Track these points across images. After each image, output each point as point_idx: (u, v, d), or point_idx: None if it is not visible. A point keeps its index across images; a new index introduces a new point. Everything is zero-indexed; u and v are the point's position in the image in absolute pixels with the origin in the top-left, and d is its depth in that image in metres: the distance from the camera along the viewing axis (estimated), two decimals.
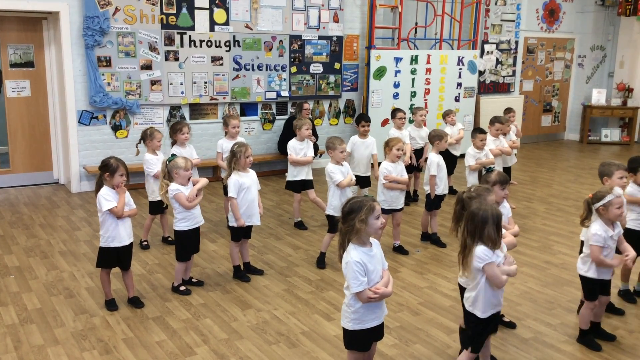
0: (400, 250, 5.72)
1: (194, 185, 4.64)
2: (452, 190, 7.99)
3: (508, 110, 7.89)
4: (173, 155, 4.65)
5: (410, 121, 8.19)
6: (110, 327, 4.15)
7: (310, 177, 6.39)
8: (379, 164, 5.63)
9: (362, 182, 6.61)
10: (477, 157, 6.30)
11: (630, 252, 3.87)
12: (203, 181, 4.74)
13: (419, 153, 7.43)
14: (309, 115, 8.57)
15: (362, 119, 6.90)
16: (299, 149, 6.29)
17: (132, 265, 4.53)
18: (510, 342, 4.02)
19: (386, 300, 4.51)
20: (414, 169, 7.37)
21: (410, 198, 7.57)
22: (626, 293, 4.75)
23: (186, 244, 4.67)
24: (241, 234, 4.95)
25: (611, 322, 4.31)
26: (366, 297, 2.98)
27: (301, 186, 6.38)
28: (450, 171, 7.81)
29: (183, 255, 4.69)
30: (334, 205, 5.22)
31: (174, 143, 5.88)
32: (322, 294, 4.75)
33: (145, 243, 5.77)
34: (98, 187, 4.28)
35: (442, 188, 5.88)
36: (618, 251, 3.98)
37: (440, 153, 7.80)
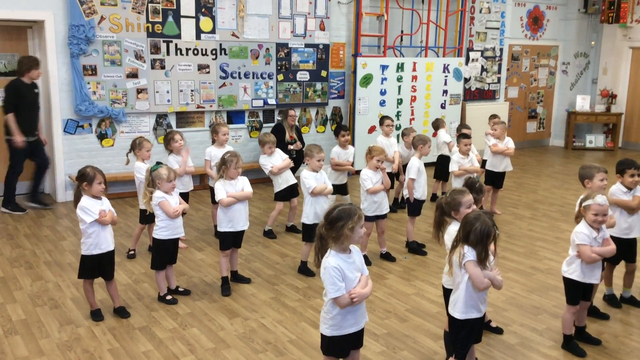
0: (387, 257, 5.74)
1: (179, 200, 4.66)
2: None
3: (493, 117, 7.94)
4: (157, 163, 4.62)
5: (397, 128, 8.24)
6: (96, 337, 4.12)
7: (295, 181, 6.40)
8: (359, 171, 5.63)
9: (343, 189, 6.68)
10: (461, 163, 6.35)
11: (612, 244, 3.91)
12: (185, 207, 4.73)
13: (403, 168, 7.47)
14: (295, 122, 8.59)
15: (340, 129, 6.95)
16: (272, 160, 6.29)
17: (118, 274, 4.52)
18: (496, 348, 4.04)
19: (373, 307, 4.57)
20: (397, 175, 7.40)
21: (398, 205, 7.59)
22: (611, 298, 4.79)
23: (163, 253, 4.66)
24: (230, 242, 4.93)
25: (596, 326, 4.35)
26: (346, 302, 2.99)
27: (289, 193, 6.38)
28: (445, 177, 7.84)
29: (158, 263, 4.67)
30: (307, 213, 5.21)
31: (170, 153, 5.92)
32: (310, 302, 4.75)
33: (132, 252, 5.74)
34: (77, 198, 4.24)
35: (420, 193, 5.90)
36: (604, 260, 4.03)
37: (439, 158, 7.84)
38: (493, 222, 3.21)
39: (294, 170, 8.73)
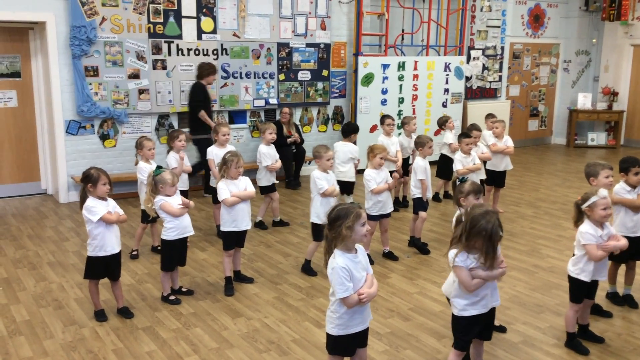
0: (390, 256, 5.74)
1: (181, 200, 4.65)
2: (448, 196, 8.02)
3: (490, 116, 7.92)
4: (159, 168, 4.62)
5: (398, 127, 8.24)
6: (100, 338, 4.13)
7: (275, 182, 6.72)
8: (363, 170, 5.64)
9: (347, 187, 6.69)
10: (464, 162, 6.35)
11: (621, 239, 3.90)
12: (190, 203, 4.71)
13: (406, 161, 7.47)
14: (286, 119, 8.64)
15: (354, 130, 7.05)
16: (272, 154, 6.57)
17: (121, 275, 4.52)
18: (500, 346, 4.04)
19: (376, 306, 4.58)
20: (403, 174, 7.39)
21: (400, 204, 7.60)
22: (614, 295, 4.78)
23: (172, 254, 4.65)
24: (233, 242, 4.94)
25: (599, 324, 4.35)
26: (354, 302, 3.00)
27: (273, 188, 6.67)
28: (448, 177, 7.79)
29: (167, 265, 4.68)
30: (317, 212, 5.23)
31: (170, 149, 5.95)
32: (313, 301, 4.76)
33: (135, 252, 5.75)
34: (83, 200, 4.24)
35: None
36: (610, 256, 4.03)
37: (442, 157, 7.80)
38: (499, 223, 3.19)
39: (297, 166, 8.83)
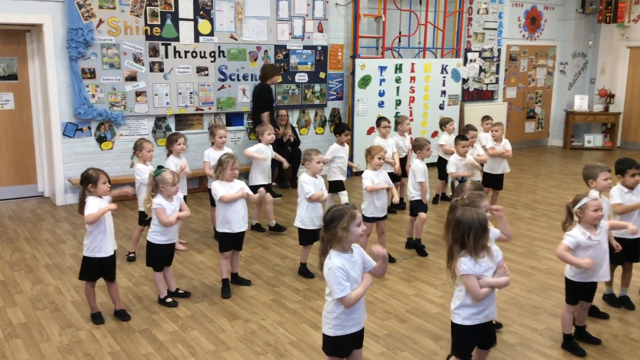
0: None
1: (180, 206, 4.64)
2: (445, 197, 8.02)
3: (486, 118, 7.93)
4: (159, 167, 4.61)
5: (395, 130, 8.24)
6: (97, 340, 4.12)
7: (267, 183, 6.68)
8: (362, 172, 5.64)
9: (338, 186, 6.67)
10: (459, 165, 6.34)
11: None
12: (187, 214, 4.69)
13: (402, 161, 7.46)
14: (284, 122, 8.65)
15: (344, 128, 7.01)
16: (267, 153, 6.60)
17: (118, 277, 4.51)
18: (497, 348, 4.04)
19: (374, 308, 4.58)
20: (400, 176, 7.40)
21: (398, 205, 7.58)
22: (610, 297, 4.79)
23: (159, 255, 4.65)
24: (229, 244, 4.94)
25: (595, 326, 4.36)
26: (352, 301, 3.01)
27: (267, 190, 6.55)
28: (444, 177, 7.78)
29: (154, 263, 4.67)
30: (302, 217, 5.23)
31: (170, 154, 5.94)
32: (310, 304, 4.76)
33: (132, 255, 5.74)
34: (82, 202, 4.21)
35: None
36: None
37: (440, 159, 7.80)
38: (481, 211, 3.20)
39: (294, 170, 8.84)
